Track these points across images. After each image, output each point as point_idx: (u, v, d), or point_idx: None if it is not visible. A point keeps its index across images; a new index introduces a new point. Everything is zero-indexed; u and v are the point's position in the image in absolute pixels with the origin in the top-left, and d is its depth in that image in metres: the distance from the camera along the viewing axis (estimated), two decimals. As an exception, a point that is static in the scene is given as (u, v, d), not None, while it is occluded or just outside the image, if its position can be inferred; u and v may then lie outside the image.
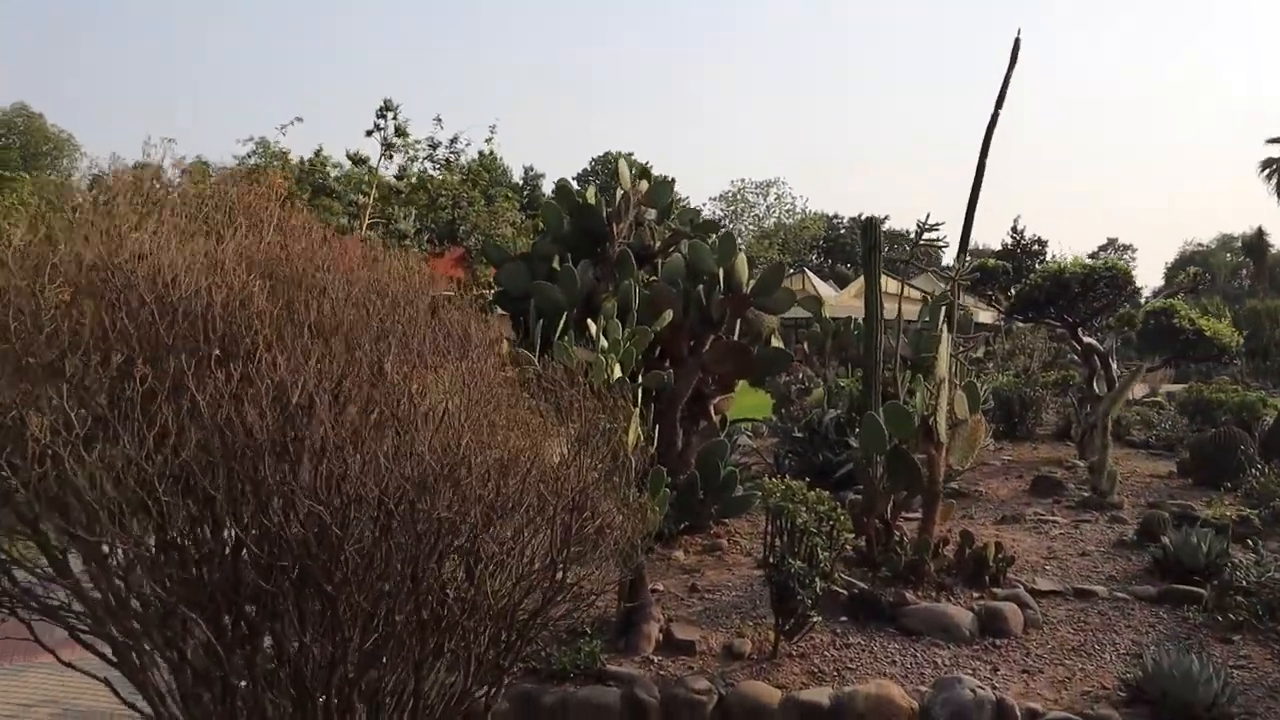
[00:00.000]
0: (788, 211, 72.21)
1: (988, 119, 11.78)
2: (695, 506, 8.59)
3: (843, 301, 26.55)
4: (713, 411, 9.38)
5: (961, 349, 7.92)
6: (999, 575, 7.01)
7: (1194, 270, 19.50)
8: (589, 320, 6.59)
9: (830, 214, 78.57)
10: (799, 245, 66.39)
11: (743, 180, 70.09)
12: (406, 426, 3.20)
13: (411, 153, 22.08)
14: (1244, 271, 64.48)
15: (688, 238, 9.13)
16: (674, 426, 8.98)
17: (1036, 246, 54.24)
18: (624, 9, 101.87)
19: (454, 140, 22.10)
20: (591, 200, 9.48)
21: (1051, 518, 10.14)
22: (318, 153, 16.97)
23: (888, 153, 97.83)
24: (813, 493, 5.63)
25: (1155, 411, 19.45)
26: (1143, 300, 15.17)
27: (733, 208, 68.27)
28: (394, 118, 9.42)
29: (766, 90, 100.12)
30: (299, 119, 9.33)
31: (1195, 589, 7.10)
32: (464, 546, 3.41)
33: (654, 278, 8.90)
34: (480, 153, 22.92)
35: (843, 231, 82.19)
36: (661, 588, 7.29)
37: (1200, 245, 68.42)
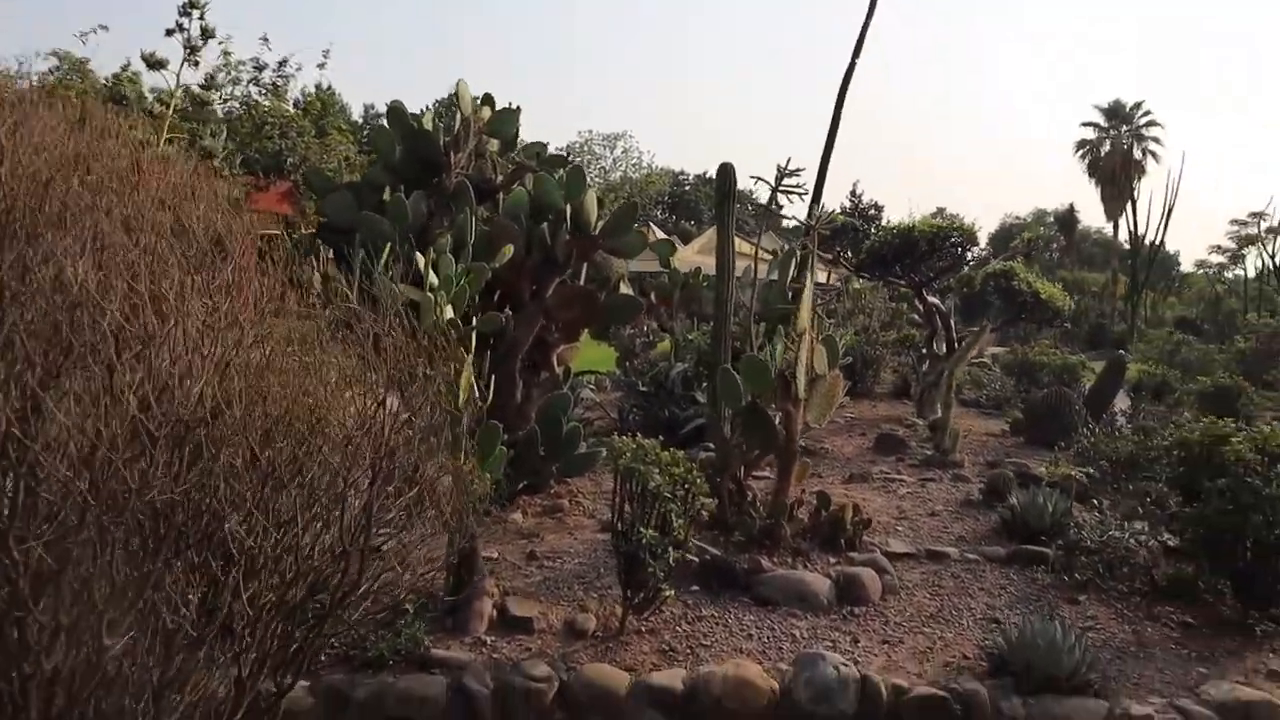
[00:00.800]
0: (634, 166, 71.86)
1: (844, 69, 11.43)
2: (535, 464, 7.89)
3: (687, 257, 26.20)
4: (555, 362, 8.67)
5: (821, 302, 7.52)
6: (855, 539, 6.67)
7: (1028, 235, 20.14)
8: (419, 255, 5.72)
9: (677, 170, 78.78)
10: (644, 200, 66.15)
11: (590, 132, 69.07)
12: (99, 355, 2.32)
13: (233, 73, 20.18)
14: (1054, 245, 68.67)
15: (533, 172, 8.32)
16: (513, 377, 8.22)
17: (873, 211, 55.98)
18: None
19: (283, 63, 20.24)
20: (428, 126, 8.51)
21: (898, 476, 10.02)
22: (125, 67, 15.04)
23: (737, 112, 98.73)
24: (667, 453, 5.02)
25: (984, 372, 20.13)
26: (968, 266, 15.55)
27: (579, 159, 67.29)
28: (200, 17, 8.14)
29: (618, 42, 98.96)
30: (103, 26, 7.92)
31: (1042, 549, 6.98)
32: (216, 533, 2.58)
33: (494, 214, 8.05)
34: (317, 85, 21.10)
35: (688, 188, 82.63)
36: (496, 555, 6.58)
37: (1018, 218, 72.42)
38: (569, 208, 7.84)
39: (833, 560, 6.49)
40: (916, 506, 8.62)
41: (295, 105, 19.98)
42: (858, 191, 54.03)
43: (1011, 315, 14.36)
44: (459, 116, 8.43)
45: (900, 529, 7.80)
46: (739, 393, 6.79)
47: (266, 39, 19.90)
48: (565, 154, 7.66)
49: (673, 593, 5.01)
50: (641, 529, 4.74)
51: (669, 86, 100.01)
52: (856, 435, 12.99)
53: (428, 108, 8.45)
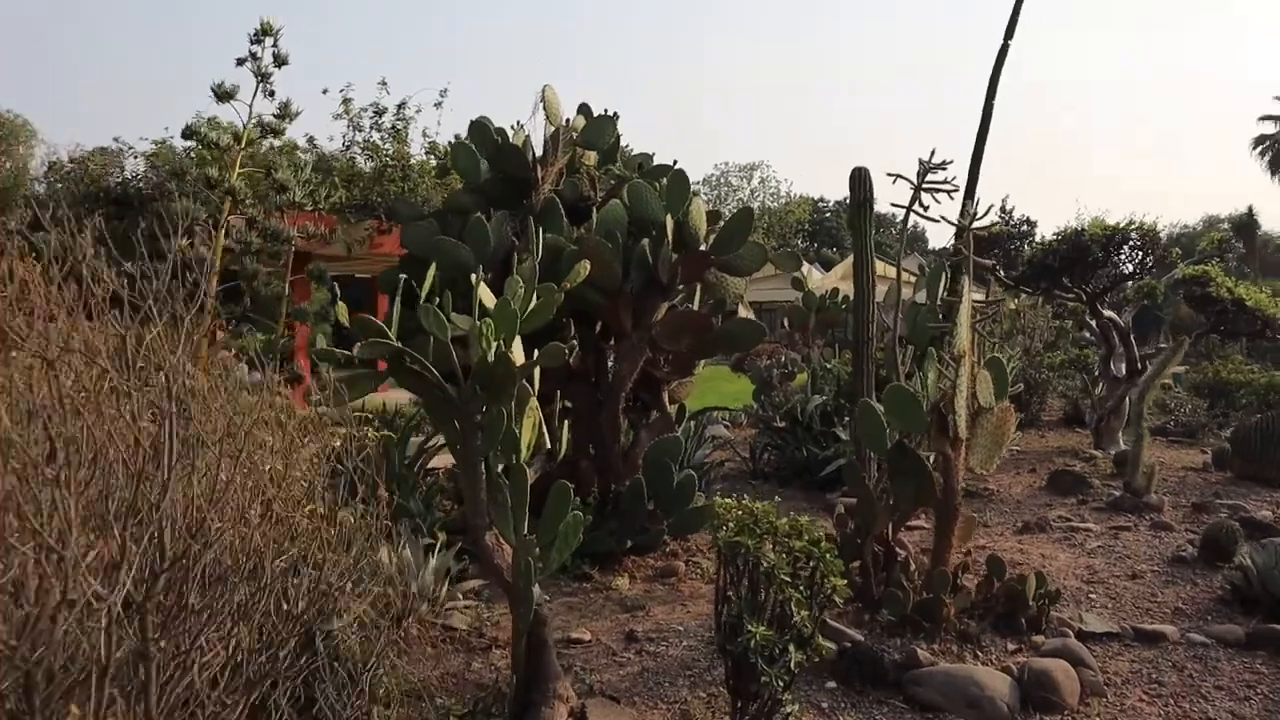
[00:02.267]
0: (772, 195, 70.75)
1: (993, 60, 9.96)
2: (642, 520, 6.77)
3: (828, 284, 24.77)
4: (667, 400, 7.54)
5: (983, 317, 6.15)
6: (1040, 616, 5.21)
7: (1218, 235, 17.75)
8: (483, 284, 4.74)
9: (816, 197, 77.12)
10: (784, 230, 64.93)
11: (726, 163, 68.50)
12: None
13: (354, 120, 20.18)
14: (1230, 254, 63.02)
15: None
16: (616, 419, 7.14)
17: (1025, 227, 52.85)
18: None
19: (401, 106, 20.16)
20: (514, 140, 7.61)
21: (1082, 524, 8.36)
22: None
23: (876, 133, 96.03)
24: (785, 520, 3.79)
25: (1167, 394, 17.80)
26: (1149, 272, 13.47)
27: (716, 192, 66.62)
28: (273, 44, 7.59)
29: (752, 73, 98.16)
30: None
31: (1295, 628, 5.34)
32: None
33: (584, 231, 7.03)
34: (437, 124, 20.86)
35: (828, 214, 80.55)
36: (588, 636, 5.45)
37: (1186, 227, 66.83)
38: (673, 221, 6.74)
39: (1011, 646, 5.05)
40: (1111, 565, 7.01)
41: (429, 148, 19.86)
42: (1007, 207, 51.10)
43: (1206, 328, 12.31)
44: (547, 127, 7.49)
45: (1094, 597, 6.24)
46: (883, 432, 5.48)
47: (385, 83, 19.85)
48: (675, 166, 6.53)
49: (796, 706, 3.75)
50: (750, 625, 3.52)
51: (804, 113, 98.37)
52: (1025, 471, 11.29)
53: (518, 123, 7.61)
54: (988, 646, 5.05)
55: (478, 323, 4.07)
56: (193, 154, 7.88)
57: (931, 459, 5.48)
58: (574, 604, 6.10)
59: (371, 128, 20.53)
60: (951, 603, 5.09)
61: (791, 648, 3.61)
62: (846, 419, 10.77)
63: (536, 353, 4.25)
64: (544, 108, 7.40)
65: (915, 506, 5.75)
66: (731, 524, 3.70)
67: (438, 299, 4.52)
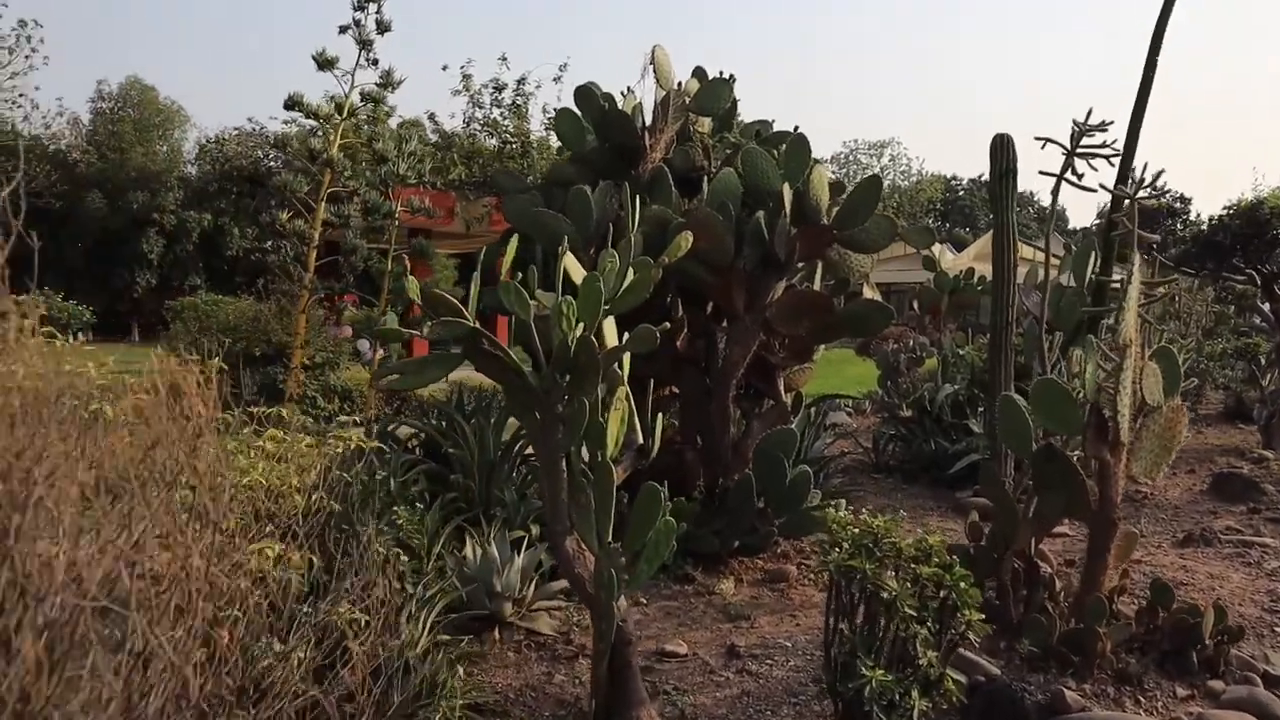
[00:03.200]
0: (903, 173, 68.59)
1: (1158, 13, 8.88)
2: (751, 519, 6.21)
3: (961, 264, 23.42)
4: (782, 388, 6.93)
5: (1151, 300, 5.31)
6: (1218, 656, 4.42)
7: None
8: (569, 257, 4.27)
9: (948, 175, 74.40)
10: (915, 208, 62.89)
11: (855, 141, 66.77)
12: None
13: (476, 96, 20.09)
14: None
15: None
16: (726, 408, 6.60)
17: (1179, 204, 49.51)
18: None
19: (521, 81, 19.98)
20: (622, 106, 7.12)
21: (1257, 538, 7.35)
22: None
23: (1016, 110, 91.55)
24: (911, 540, 3.18)
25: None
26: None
27: (845, 170, 64.93)
28: (377, 10, 7.32)
29: (882, 48, 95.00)
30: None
31: None
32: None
33: (696, 204, 6.47)
34: (558, 99, 20.66)
35: (961, 193, 77.41)
36: (684, 649, 4.95)
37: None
38: (791, 192, 6.11)
39: (1181, 691, 4.28)
40: (1298, 589, 6.06)
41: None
42: (1159, 184, 47.80)
43: None
44: (657, 92, 6.96)
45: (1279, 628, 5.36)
46: (1028, 432, 4.76)
47: (505, 58, 19.64)
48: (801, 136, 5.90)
49: (922, 758, 3.15)
50: (865, 666, 2.94)
51: (938, 86, 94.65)
52: (1183, 472, 10.16)
53: (628, 89, 7.13)
54: (1152, 690, 4.30)
55: (560, 301, 3.58)
56: (297, 126, 7.71)
57: (1086, 463, 4.73)
58: (673, 609, 5.61)
59: (492, 104, 20.44)
60: (1107, 634, 4.36)
61: (915, 692, 3.02)
62: (980, 410, 9.92)
63: (625, 336, 3.74)
64: (654, 70, 6.87)
65: (1066, 515, 5.01)
66: (845, 544, 3.12)
67: (520, 274, 4.08)
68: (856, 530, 3.19)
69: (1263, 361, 14.30)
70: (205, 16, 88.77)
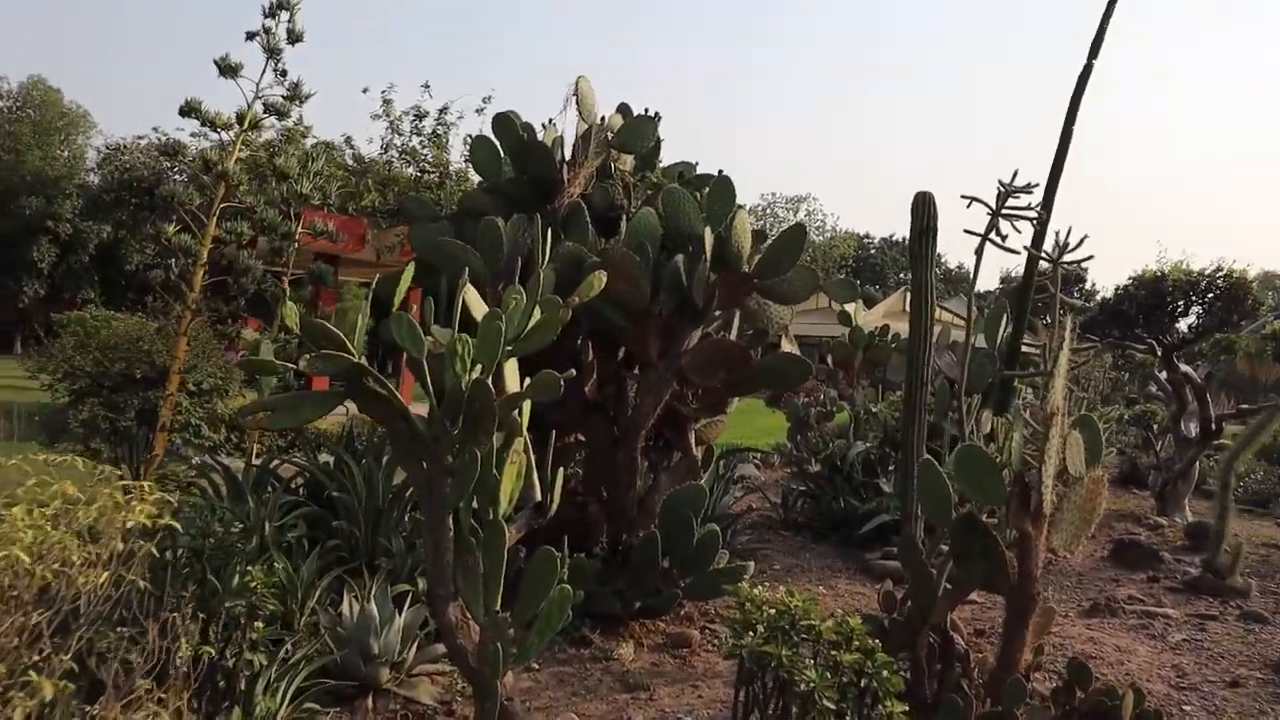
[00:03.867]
0: (818, 229, 70.12)
1: (1079, 71, 9.04)
2: (655, 580, 5.86)
3: (872, 321, 23.71)
4: (693, 441, 6.64)
5: (1080, 363, 5.21)
6: (1136, 743, 4.22)
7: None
8: (468, 292, 3.91)
9: (861, 233, 76.32)
10: (828, 264, 64.30)
11: (773, 194, 68.14)
12: None
13: (393, 123, 19.61)
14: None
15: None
16: (633, 460, 6.26)
17: (1079, 271, 51.52)
18: (654, 9, 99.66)
19: (443, 110, 19.61)
20: (542, 137, 6.81)
21: (1159, 608, 7.32)
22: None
23: (925, 174, 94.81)
24: (830, 622, 2.88)
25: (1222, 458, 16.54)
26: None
27: (763, 222, 66.03)
28: (289, 19, 6.87)
29: (798, 101, 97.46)
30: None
31: None
32: None
33: (611, 245, 6.18)
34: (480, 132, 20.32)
35: (873, 251, 79.42)
36: (578, 724, 4.55)
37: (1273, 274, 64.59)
38: (712, 235, 5.86)
39: (1100, 781, 4.07)
40: (1203, 665, 5.98)
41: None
42: (1063, 241, 49.84)
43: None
44: (579, 125, 6.68)
45: (1190, 709, 5.22)
46: (948, 498, 4.54)
47: (428, 86, 19.27)
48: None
49: None
50: (777, 768, 2.61)
51: (856, 146, 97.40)
52: (1090, 532, 10.19)
53: (549, 120, 6.84)
54: (1069, 779, 4.08)
55: (454, 338, 3.21)
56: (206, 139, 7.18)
57: (1004, 535, 4.53)
58: (567, 677, 5.19)
59: (412, 132, 19.98)
60: (1026, 718, 4.12)
61: (831, 797, 2.69)
62: (892, 469, 9.81)
63: (528, 382, 3.38)
64: (576, 102, 6.59)
65: (983, 587, 4.79)
66: (759, 629, 2.80)
67: (414, 306, 3.70)
68: (772, 611, 2.87)
69: (1155, 429, 14.67)
70: (122, 16, 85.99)
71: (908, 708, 4.51)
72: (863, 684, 2.81)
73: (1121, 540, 9.62)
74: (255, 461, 6.95)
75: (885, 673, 2.80)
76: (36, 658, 2.01)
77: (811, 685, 2.66)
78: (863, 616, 5.05)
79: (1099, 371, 20.38)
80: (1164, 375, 12.43)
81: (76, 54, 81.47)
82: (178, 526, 2.53)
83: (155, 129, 42.50)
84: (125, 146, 42.67)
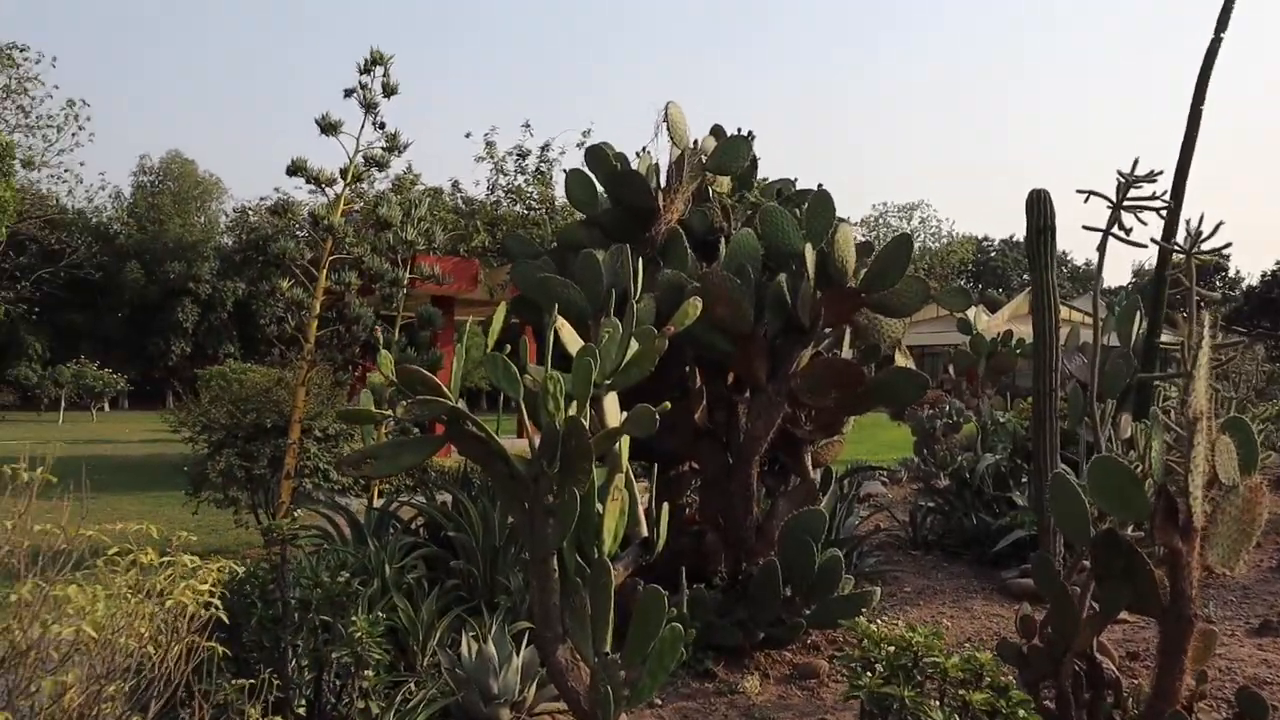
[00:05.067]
0: (933, 235, 68.39)
1: (1204, 51, 8.47)
2: (778, 609, 5.67)
3: (996, 326, 22.81)
4: (809, 463, 6.44)
5: (1218, 364, 4.80)
6: (1320, 780, 3.81)
7: None
8: (560, 326, 3.87)
9: (979, 236, 74.14)
10: (945, 270, 62.58)
11: (884, 204, 66.93)
12: None
13: (499, 163, 20.08)
14: None
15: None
16: (748, 486, 6.11)
17: (1220, 259, 48.48)
18: (759, 19, 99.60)
19: (545, 148, 19.97)
20: (636, 166, 6.78)
21: (1340, 624, 6.67)
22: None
23: (1044, 171, 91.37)
24: (955, 658, 2.67)
25: None
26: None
27: (875, 233, 64.89)
28: (384, 74, 7.10)
29: (910, 110, 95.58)
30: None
31: None
32: None
33: (712, 267, 6.07)
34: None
35: (993, 254, 76.89)
36: (702, 763, 4.41)
37: None
38: (813, 251, 5.69)
39: (1282, 823, 3.69)
40: (1395, 687, 5.39)
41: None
42: (1195, 230, 47.27)
43: None
44: (672, 151, 6.63)
45: (1383, 738, 4.70)
46: (1085, 515, 4.23)
47: (529, 125, 19.67)
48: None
49: None
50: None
51: (968, 147, 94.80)
52: (1252, 545, 9.43)
53: (643, 149, 6.84)
54: (1245, 821, 3.70)
55: (546, 377, 3.16)
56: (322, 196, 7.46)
57: (1151, 550, 4.18)
58: (690, 712, 5.06)
59: (516, 171, 20.43)
60: (1189, 754, 3.77)
61: None
62: (1024, 482, 9.32)
63: (622, 418, 3.30)
64: (667, 128, 6.54)
65: (1130, 610, 4.44)
66: (879, 665, 2.62)
67: (510, 347, 3.67)
68: (892, 649, 2.69)
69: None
70: (248, 89, 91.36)
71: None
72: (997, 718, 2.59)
73: (1289, 547, 8.87)
74: (377, 504, 7.09)
75: (1022, 712, 2.57)
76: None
77: (939, 728, 2.46)
78: (999, 644, 4.76)
79: (1250, 365, 19.08)
80: (1325, 365, 11.47)
81: (207, 124, 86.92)
82: (223, 615, 2.46)
83: (277, 189, 44.90)
84: (250, 208, 45.19)
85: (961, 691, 2.58)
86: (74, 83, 78.40)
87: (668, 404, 3.25)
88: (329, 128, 7.03)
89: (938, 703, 2.58)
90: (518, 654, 4.75)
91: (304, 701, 3.36)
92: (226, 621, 2.74)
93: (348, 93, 7.19)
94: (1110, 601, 4.12)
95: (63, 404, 37.44)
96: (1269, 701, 4.41)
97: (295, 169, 7.01)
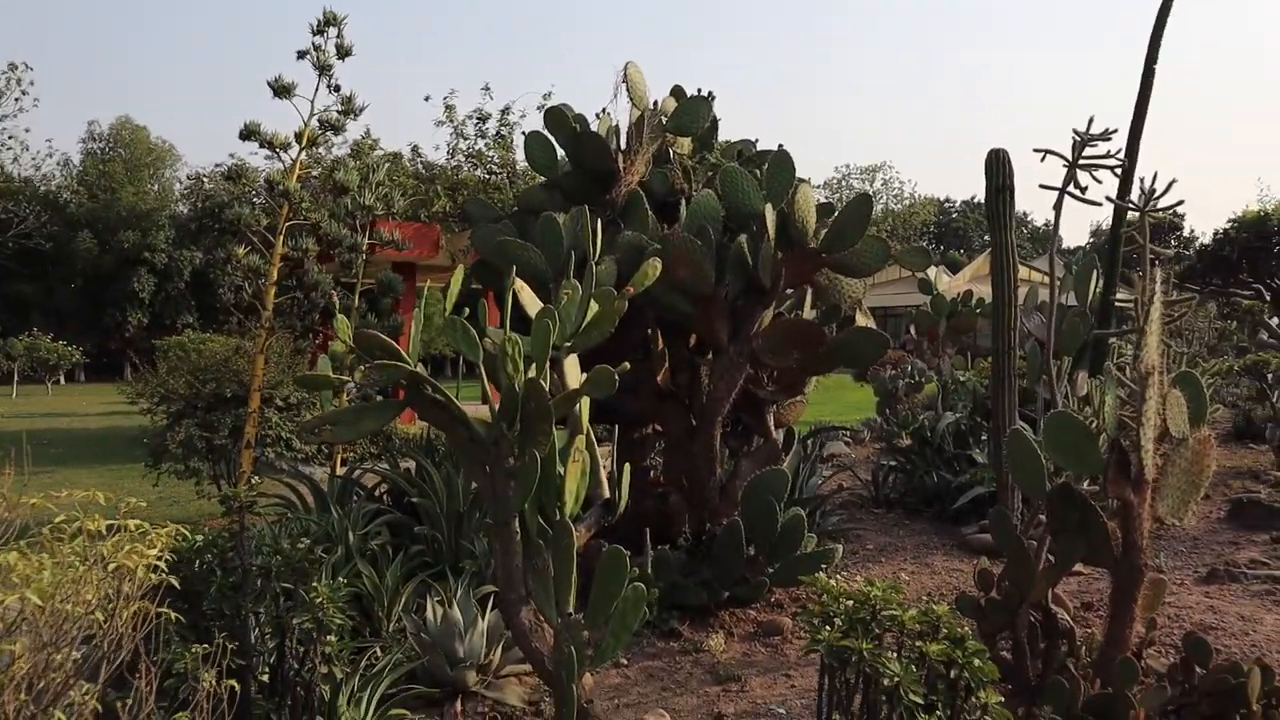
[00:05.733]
0: (895, 197, 68.70)
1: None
2: (741, 568, 5.73)
3: (957, 287, 23.04)
4: (772, 424, 6.49)
5: (1170, 320, 4.89)
6: (1264, 720, 3.93)
7: None
8: (517, 288, 3.84)
9: (941, 198, 74.61)
10: (908, 232, 63.00)
11: (847, 166, 67.03)
12: None
13: (457, 128, 19.80)
14: None
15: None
16: (711, 447, 6.14)
17: (1174, 218, 49.21)
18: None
19: (505, 111, 19.71)
20: (596, 128, 6.73)
21: (1284, 571, 6.88)
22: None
23: (1004, 131, 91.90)
24: (913, 611, 2.72)
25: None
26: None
27: (838, 196, 65.00)
28: (338, 35, 6.94)
29: (871, 73, 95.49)
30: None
31: None
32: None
33: (673, 229, 6.05)
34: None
35: (954, 215, 77.47)
36: (666, 718, 4.46)
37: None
38: (774, 212, 5.69)
39: (1226, 763, 3.81)
40: (1335, 631, 5.58)
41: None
42: (1149, 188, 48.06)
43: None
44: (632, 112, 6.57)
45: (1323, 679, 4.86)
46: (1040, 470, 4.30)
47: (488, 88, 19.40)
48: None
49: None
50: (865, 769, 2.48)
51: (929, 109, 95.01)
52: (1200, 497, 9.66)
53: (603, 110, 6.77)
54: (1192, 762, 3.82)
55: (505, 339, 3.14)
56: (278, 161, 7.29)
57: (1105, 505, 4.28)
58: (656, 671, 5.12)
59: (476, 135, 20.16)
60: (1141, 700, 3.88)
61: (925, 796, 2.54)
62: (984, 439, 9.47)
63: (581, 381, 3.30)
64: (626, 89, 6.48)
65: (1085, 562, 4.54)
66: (838, 619, 2.66)
67: (468, 310, 3.64)
68: (850, 603, 2.73)
69: (1270, 378, 13.88)
70: (200, 52, 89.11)
71: (1010, 692, 4.31)
72: (953, 674, 2.64)
73: (1239, 499, 9.08)
74: (340, 472, 7.05)
75: (977, 661, 2.63)
76: (76, 694, 2.01)
77: (896, 679, 2.51)
78: (958, 598, 4.85)
79: (1203, 322, 19.44)
80: (1276, 321, 11.74)
81: (158, 89, 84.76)
82: (173, 581, 2.45)
83: (231, 155, 44.02)
84: (204, 175, 44.28)
85: (919, 643, 2.62)
86: (15, 46, 76.00)
87: (627, 365, 3.24)
88: (282, 90, 6.88)
89: (895, 654, 2.63)
90: (483, 617, 4.77)
91: (266, 668, 3.35)
92: (179, 588, 2.72)
93: (300, 54, 7.03)
94: (1065, 554, 4.21)
95: (15, 378, 36.71)
96: (1213, 646, 4.55)
97: (249, 133, 6.86)
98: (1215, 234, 9.99)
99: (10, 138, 53.51)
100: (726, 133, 7.50)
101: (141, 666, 2.05)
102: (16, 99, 40.48)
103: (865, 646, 2.54)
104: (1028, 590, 4.32)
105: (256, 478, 5.27)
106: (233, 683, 2.37)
